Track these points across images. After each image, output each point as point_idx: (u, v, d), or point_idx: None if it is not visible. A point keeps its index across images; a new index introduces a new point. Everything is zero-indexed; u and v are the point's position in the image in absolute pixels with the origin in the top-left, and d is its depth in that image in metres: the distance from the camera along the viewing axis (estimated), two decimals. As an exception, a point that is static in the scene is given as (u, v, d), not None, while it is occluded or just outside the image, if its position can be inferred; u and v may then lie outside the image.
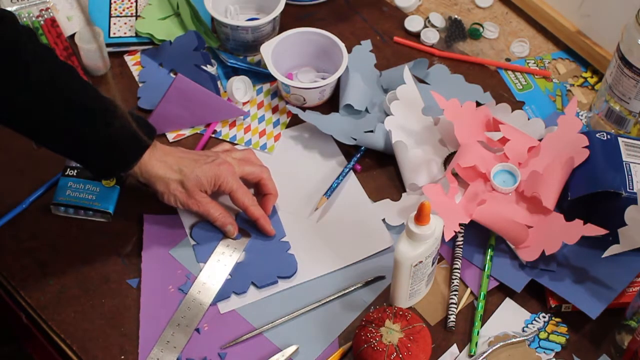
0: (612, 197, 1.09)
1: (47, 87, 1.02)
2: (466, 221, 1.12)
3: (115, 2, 1.39)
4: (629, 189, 1.09)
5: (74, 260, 1.14)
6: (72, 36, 1.32)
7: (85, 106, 1.05)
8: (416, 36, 1.38)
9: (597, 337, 1.09)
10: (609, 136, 1.15)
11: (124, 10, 1.38)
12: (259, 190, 1.18)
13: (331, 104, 1.30)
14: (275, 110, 1.29)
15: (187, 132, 1.26)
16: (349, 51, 1.32)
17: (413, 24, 1.39)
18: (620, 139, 1.15)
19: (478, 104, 1.26)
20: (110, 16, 1.37)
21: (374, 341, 1.02)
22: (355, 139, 1.23)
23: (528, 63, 1.35)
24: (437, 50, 1.36)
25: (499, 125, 1.18)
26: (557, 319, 1.10)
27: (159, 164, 1.11)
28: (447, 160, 1.21)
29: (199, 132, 1.26)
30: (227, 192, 1.14)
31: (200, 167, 1.12)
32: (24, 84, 1.01)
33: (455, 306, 1.10)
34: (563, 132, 1.18)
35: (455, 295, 1.10)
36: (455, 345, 1.08)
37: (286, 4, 1.33)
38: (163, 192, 1.12)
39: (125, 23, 1.36)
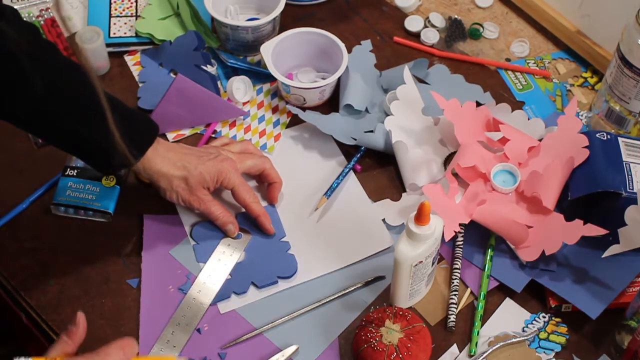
0: (612, 197, 1.09)
1: (50, 84, 1.02)
2: (466, 221, 1.12)
3: (115, 2, 1.39)
4: (629, 189, 1.09)
5: (74, 260, 1.14)
6: (72, 36, 1.32)
7: (87, 103, 1.05)
8: (416, 36, 1.38)
9: (597, 337, 1.09)
10: (609, 136, 1.15)
11: (124, 10, 1.38)
12: (263, 180, 1.19)
13: (331, 104, 1.30)
14: (275, 110, 1.29)
15: (187, 132, 1.26)
16: (349, 51, 1.32)
17: (413, 24, 1.39)
18: (620, 139, 1.15)
19: (478, 104, 1.26)
20: (110, 16, 1.37)
21: (374, 341, 1.02)
22: (355, 139, 1.23)
23: (528, 63, 1.35)
24: (437, 50, 1.36)
25: (499, 125, 1.18)
26: (557, 319, 1.10)
27: (162, 160, 1.11)
28: (447, 160, 1.21)
29: (199, 132, 1.26)
30: (229, 188, 1.15)
31: (203, 164, 1.12)
32: (26, 81, 1.01)
33: (455, 306, 1.10)
34: (563, 132, 1.18)
35: (455, 295, 1.10)
36: (455, 345, 1.08)
37: (286, 4, 1.33)
38: (165, 188, 1.12)
39: (125, 23, 1.36)
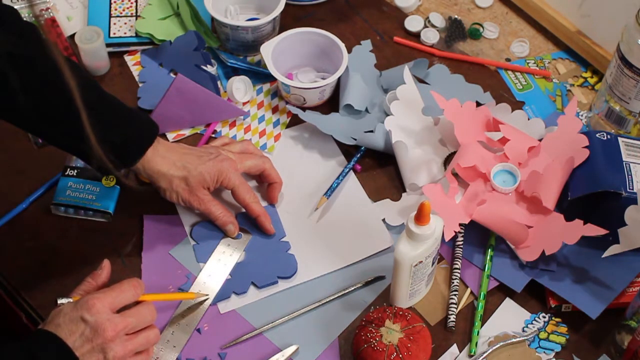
0: (612, 197, 1.09)
1: (50, 83, 1.02)
2: (466, 221, 1.12)
3: (115, 2, 1.39)
4: (629, 189, 1.09)
5: (74, 260, 1.14)
6: (72, 36, 1.32)
7: (87, 103, 1.05)
8: (416, 36, 1.38)
9: (597, 337, 1.09)
10: (609, 136, 1.15)
11: (124, 10, 1.38)
12: (263, 180, 1.19)
13: (331, 104, 1.30)
14: (275, 110, 1.29)
15: (187, 132, 1.26)
16: (349, 51, 1.32)
17: (413, 24, 1.39)
18: (620, 139, 1.15)
19: (478, 104, 1.26)
20: (110, 16, 1.37)
21: (374, 341, 1.02)
22: (355, 139, 1.23)
23: (528, 63, 1.35)
24: (437, 50, 1.36)
25: (499, 125, 1.18)
26: (557, 319, 1.10)
27: (162, 160, 1.11)
28: (447, 160, 1.21)
29: (199, 132, 1.26)
30: (229, 188, 1.15)
31: (204, 164, 1.12)
32: (26, 80, 1.01)
33: (455, 306, 1.10)
34: (563, 132, 1.18)
35: (455, 295, 1.10)
36: (455, 345, 1.08)
37: (286, 4, 1.33)
38: (165, 188, 1.12)
39: (125, 23, 1.36)
